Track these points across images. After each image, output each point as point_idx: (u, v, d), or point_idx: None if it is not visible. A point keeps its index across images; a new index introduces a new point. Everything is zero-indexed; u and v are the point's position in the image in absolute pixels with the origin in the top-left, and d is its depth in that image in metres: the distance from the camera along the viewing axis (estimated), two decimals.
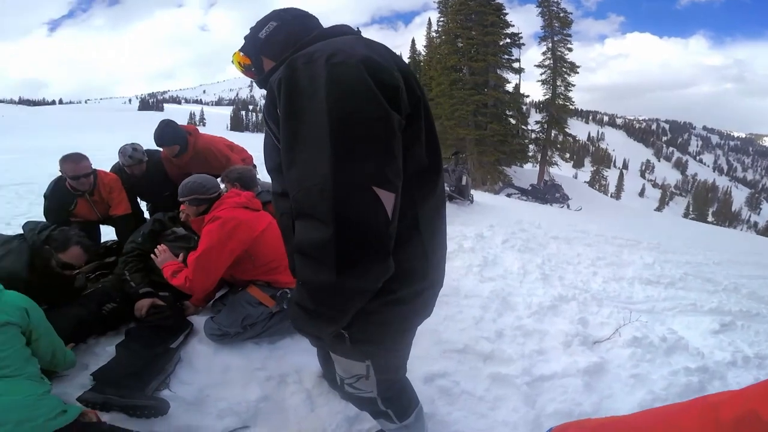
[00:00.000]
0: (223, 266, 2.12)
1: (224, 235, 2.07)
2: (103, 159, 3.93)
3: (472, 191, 8.32)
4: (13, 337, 1.54)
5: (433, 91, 20.08)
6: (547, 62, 20.98)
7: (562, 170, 23.54)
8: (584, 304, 3.35)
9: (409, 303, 1.07)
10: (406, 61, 27.48)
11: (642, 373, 2.46)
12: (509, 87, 20.20)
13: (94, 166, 3.04)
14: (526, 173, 21.38)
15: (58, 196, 2.97)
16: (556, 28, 20.61)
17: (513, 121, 20.57)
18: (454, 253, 4.22)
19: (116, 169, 3.36)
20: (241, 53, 1.16)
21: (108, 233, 3.35)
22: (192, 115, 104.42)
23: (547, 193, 15.10)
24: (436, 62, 21.16)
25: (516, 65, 19.79)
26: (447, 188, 7.42)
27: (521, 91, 20.83)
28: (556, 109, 20.85)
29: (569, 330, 2.79)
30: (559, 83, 20.86)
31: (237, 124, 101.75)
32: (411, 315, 1.14)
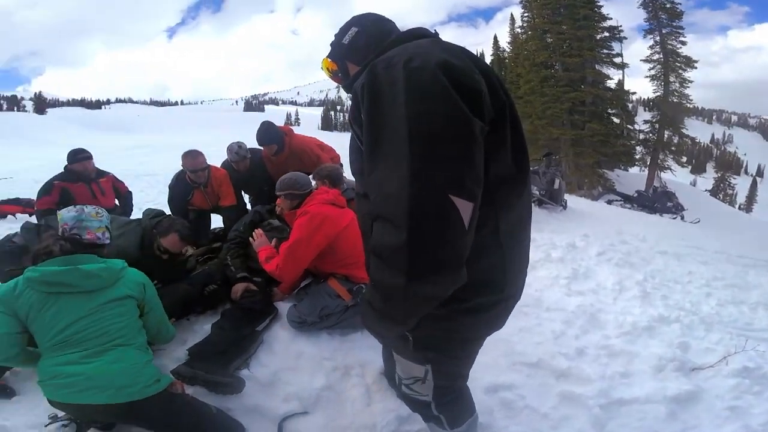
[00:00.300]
0: (309, 257, 2.27)
1: (312, 228, 2.22)
2: (214, 154, 4.45)
3: (566, 196, 7.74)
4: (131, 309, 1.76)
5: (522, 88, 19.05)
6: (656, 57, 18.70)
7: (677, 176, 20.62)
8: (689, 327, 2.96)
9: (480, 313, 1.04)
10: (489, 59, 26.43)
11: (742, 406, 2.13)
12: (611, 83, 18.38)
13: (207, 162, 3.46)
14: (632, 178, 19.16)
15: (179, 187, 3.47)
16: (663, 20, 18.26)
17: (616, 120, 18.64)
18: (540, 262, 3.98)
19: (226, 164, 3.80)
20: (329, 59, 1.22)
21: (216, 221, 3.80)
22: (288, 116, 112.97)
23: (656, 201, 13.28)
24: (524, 59, 20.03)
25: (618, 60, 17.90)
26: (537, 192, 7.00)
27: (625, 88, 18.80)
28: (670, 108, 18.44)
29: (664, 354, 2.51)
30: (672, 79, 18.48)
31: (327, 124, 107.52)
32: (480, 325, 1.11)
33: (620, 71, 18.46)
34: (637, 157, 19.45)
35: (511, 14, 24.43)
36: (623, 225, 6.50)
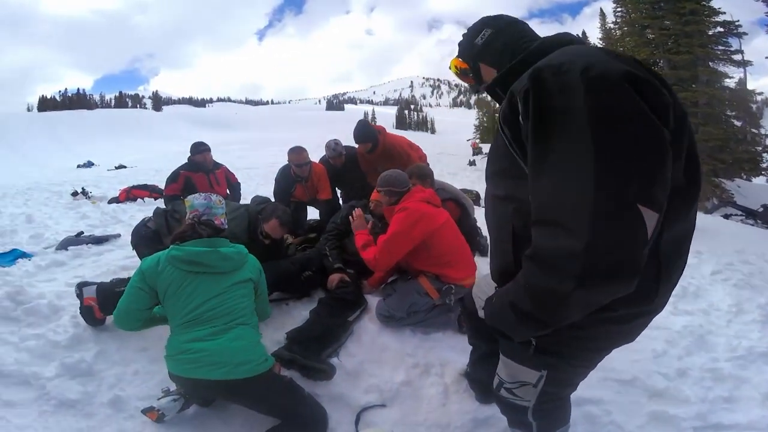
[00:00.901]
0: (404, 250, 2.36)
1: (410, 223, 2.31)
2: None
3: None
4: (250, 291, 1.90)
5: None
6: None
7: None
8: None
9: (623, 323, 1.01)
10: None
11: None
12: (729, 83, 16.03)
13: None
14: (757, 190, 16.40)
15: (284, 180, 3.80)
16: None
17: (737, 123, 16.25)
18: None
19: (323, 161, 4.06)
20: (459, 59, 1.23)
21: (311, 213, 4.08)
22: (365, 115, 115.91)
23: None
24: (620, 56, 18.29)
25: (737, 57, 15.56)
26: None
27: (749, 88, 16.30)
28: None
29: None
30: None
31: (401, 123, 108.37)
32: (618, 336, 1.08)
33: (741, 69, 16.07)
34: (764, 165, 16.70)
35: (601, 9, 22.62)
36: (745, 243, 5.64)
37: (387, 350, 2.29)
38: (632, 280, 0.79)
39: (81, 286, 2.33)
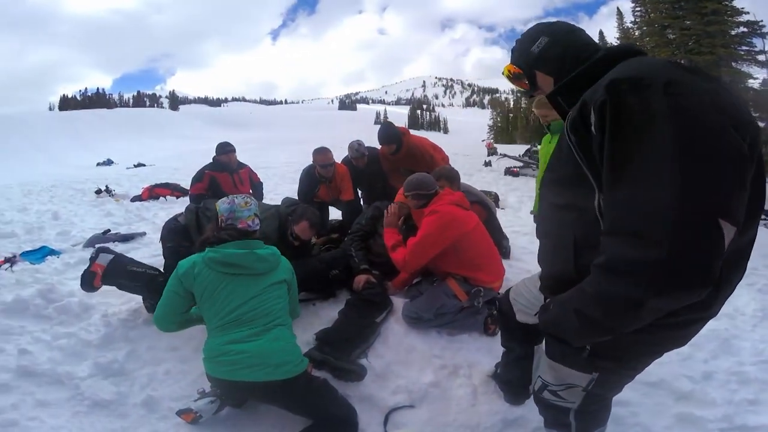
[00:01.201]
0: (433, 252, 2.36)
1: (440, 226, 2.31)
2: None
3: None
4: (285, 292, 1.91)
5: None
6: None
7: None
8: None
9: (680, 329, 1.03)
10: None
11: None
12: (753, 83, 15.65)
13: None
14: None
15: (308, 180, 3.82)
16: None
17: (761, 125, 15.89)
18: None
19: (346, 161, 4.06)
20: (513, 65, 1.23)
21: (331, 213, 4.10)
22: (377, 115, 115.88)
23: None
24: None
25: (761, 57, 15.17)
26: None
27: None
28: None
29: None
30: None
31: (413, 123, 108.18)
32: (674, 340, 1.09)
33: (765, 70, 15.68)
34: None
35: (618, 8, 22.33)
36: None
37: (414, 351, 2.30)
38: (705, 290, 0.81)
39: (99, 251, 2.37)
